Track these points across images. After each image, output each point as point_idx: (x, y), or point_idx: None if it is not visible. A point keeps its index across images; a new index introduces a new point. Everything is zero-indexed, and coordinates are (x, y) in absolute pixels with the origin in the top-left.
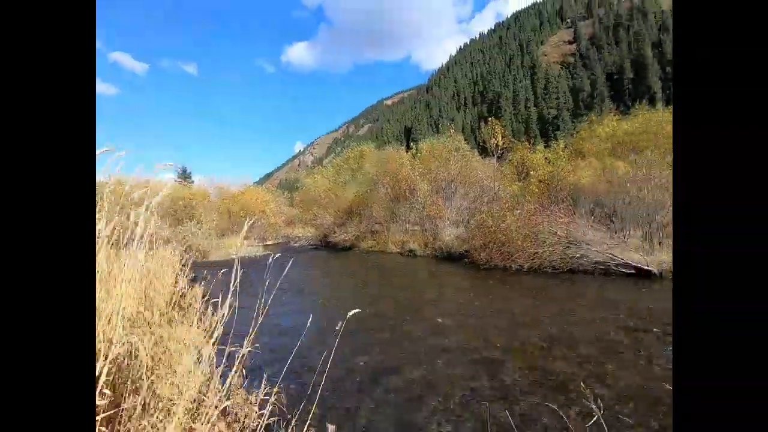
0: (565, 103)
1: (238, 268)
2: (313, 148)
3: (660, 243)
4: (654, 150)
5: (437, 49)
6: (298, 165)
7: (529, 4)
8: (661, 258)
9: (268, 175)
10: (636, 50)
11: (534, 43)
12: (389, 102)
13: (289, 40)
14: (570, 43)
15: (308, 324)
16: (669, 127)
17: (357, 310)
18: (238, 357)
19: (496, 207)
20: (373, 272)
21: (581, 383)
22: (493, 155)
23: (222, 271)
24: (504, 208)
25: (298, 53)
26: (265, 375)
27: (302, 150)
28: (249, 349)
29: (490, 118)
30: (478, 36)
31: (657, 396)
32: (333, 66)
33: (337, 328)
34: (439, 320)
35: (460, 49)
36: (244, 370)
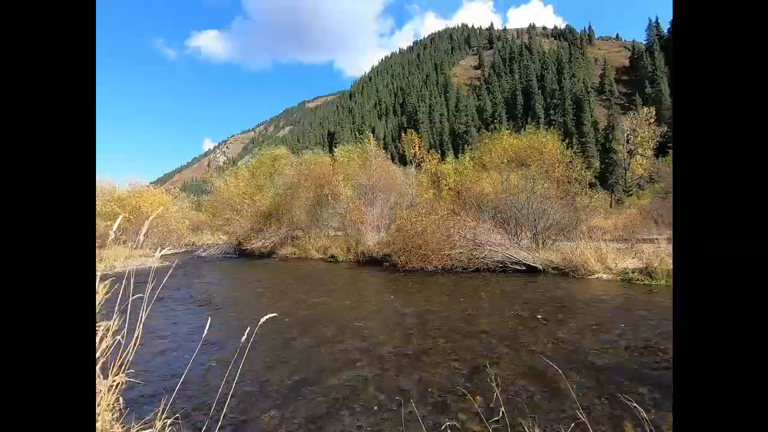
0: (472, 120)
1: (128, 282)
2: (226, 147)
3: (543, 243)
4: (538, 165)
5: (360, 57)
6: (208, 165)
7: (443, 29)
8: (543, 256)
9: (169, 175)
10: (525, 81)
11: (447, 64)
12: (312, 105)
13: (197, 25)
14: (476, 68)
15: (213, 339)
16: (549, 145)
17: (272, 315)
18: (110, 389)
19: (414, 212)
20: (293, 279)
21: (486, 366)
22: (411, 164)
23: (104, 287)
24: (421, 213)
25: (209, 42)
26: (155, 405)
27: (212, 149)
28: (124, 379)
29: (409, 130)
30: (398, 51)
31: (542, 371)
32: (250, 61)
33: (244, 340)
34: (359, 324)
35: (382, 60)
36: (122, 403)
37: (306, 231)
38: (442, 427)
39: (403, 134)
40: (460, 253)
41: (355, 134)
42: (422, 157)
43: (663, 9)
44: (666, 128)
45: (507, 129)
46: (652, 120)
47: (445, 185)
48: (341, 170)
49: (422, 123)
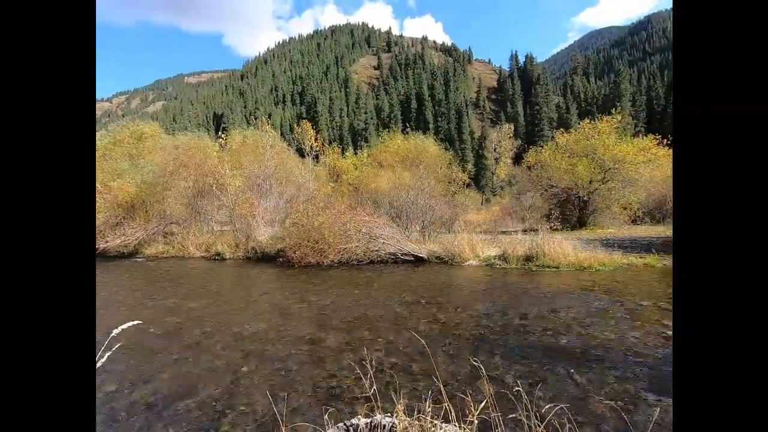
0: (372, 118)
1: None
2: None
3: (429, 235)
4: (425, 166)
5: (254, 37)
6: None
7: (344, 23)
8: (429, 247)
9: None
10: (418, 87)
11: (347, 59)
12: (192, 80)
13: None
14: (375, 68)
15: None
16: (431, 149)
17: (132, 324)
18: None
19: (312, 206)
20: (166, 281)
21: (370, 349)
22: (309, 156)
23: None
24: (319, 207)
25: None
26: None
27: None
28: None
29: (303, 121)
30: (297, 37)
31: (417, 347)
32: (104, 15)
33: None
34: (247, 325)
35: (280, 44)
36: None
37: (184, 226)
38: (324, 417)
39: (301, 124)
40: (356, 246)
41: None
42: (321, 150)
43: (521, 43)
44: (520, 141)
45: (402, 130)
46: (511, 135)
47: (345, 180)
48: (231, 157)
49: (322, 115)
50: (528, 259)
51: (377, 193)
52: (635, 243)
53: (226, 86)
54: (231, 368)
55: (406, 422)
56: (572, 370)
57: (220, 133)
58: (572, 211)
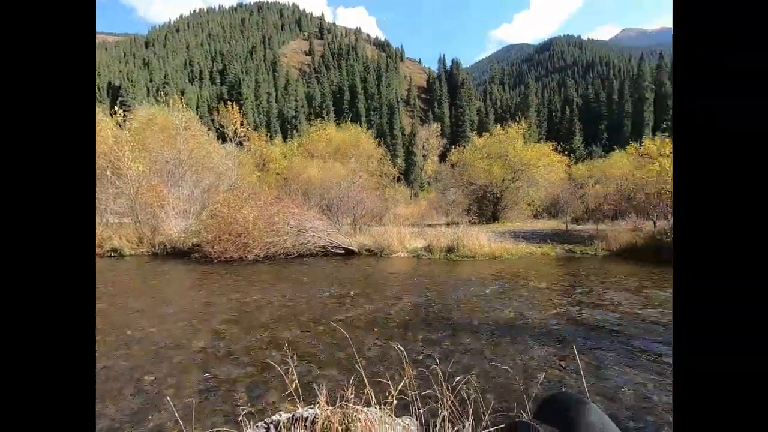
0: (302, 106)
1: None
2: None
3: (360, 228)
4: (358, 159)
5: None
6: None
7: (272, 0)
8: (359, 239)
9: None
10: (351, 79)
11: (276, 41)
12: None
13: None
14: (306, 54)
15: None
16: (366, 142)
17: None
18: None
19: (235, 196)
20: None
21: (288, 345)
22: (232, 141)
23: None
24: (242, 197)
25: None
26: None
27: None
28: None
29: (229, 102)
30: (218, 8)
31: (346, 340)
32: None
33: None
34: (152, 329)
35: (195, 13)
36: None
37: None
38: (241, 418)
39: (222, 106)
40: (284, 239)
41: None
42: (246, 136)
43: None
44: (446, 140)
45: (335, 122)
46: (438, 133)
47: (273, 169)
48: (134, 138)
49: (247, 98)
50: (450, 250)
51: (308, 185)
52: (536, 234)
53: (125, 53)
54: (135, 377)
55: (328, 411)
56: (482, 346)
57: (116, 107)
58: (488, 207)
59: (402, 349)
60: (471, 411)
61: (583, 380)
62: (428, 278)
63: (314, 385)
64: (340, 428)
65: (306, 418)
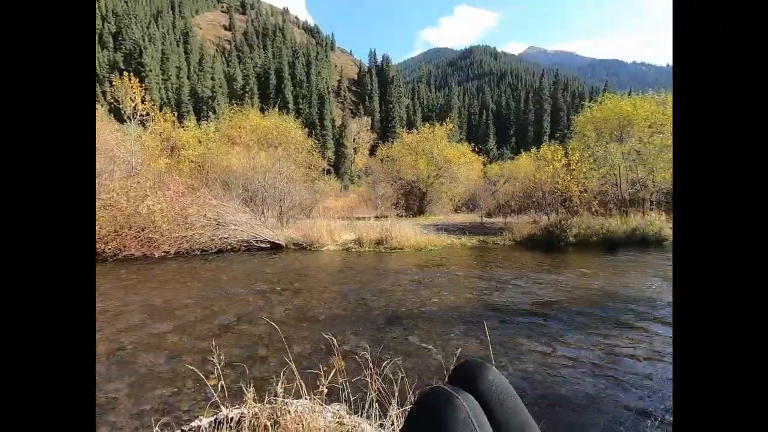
0: (221, 87)
1: None
2: None
3: (287, 221)
4: (286, 148)
5: None
6: None
7: None
8: (287, 233)
9: None
10: (278, 63)
11: (188, 9)
12: None
13: None
14: (226, 29)
15: None
16: (294, 132)
17: None
18: None
19: (135, 185)
20: None
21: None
22: (131, 121)
23: None
24: (146, 186)
25: None
26: None
27: None
28: None
29: (126, 73)
30: None
31: (273, 335)
32: None
33: None
34: None
35: None
36: None
37: None
38: (155, 430)
39: (117, 77)
40: (200, 234)
41: None
42: (151, 115)
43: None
44: (376, 135)
45: (260, 107)
46: (368, 127)
47: (186, 156)
48: None
49: (151, 71)
50: (379, 242)
51: (229, 174)
52: (456, 227)
53: None
54: None
55: (255, 409)
56: (409, 331)
57: None
58: (414, 201)
59: (333, 339)
60: (397, 390)
61: (490, 351)
62: (358, 270)
63: (241, 384)
64: (268, 423)
65: (231, 419)
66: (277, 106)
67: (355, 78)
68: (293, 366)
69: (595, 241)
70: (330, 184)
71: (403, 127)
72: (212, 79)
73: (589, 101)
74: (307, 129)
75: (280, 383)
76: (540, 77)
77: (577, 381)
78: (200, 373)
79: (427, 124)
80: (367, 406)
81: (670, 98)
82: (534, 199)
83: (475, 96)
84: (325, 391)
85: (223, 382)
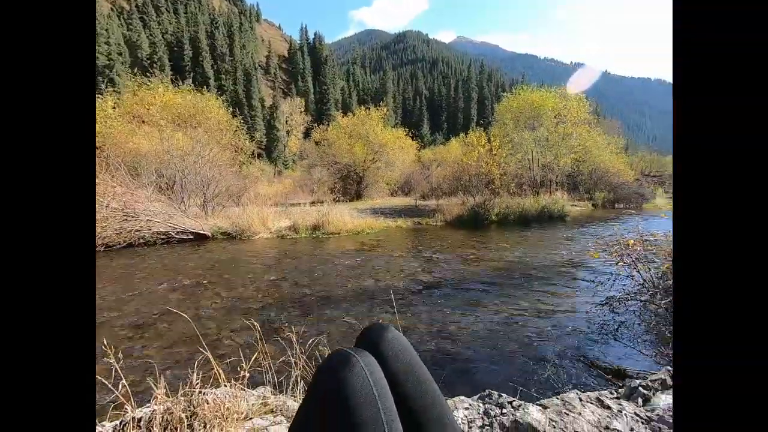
0: (122, 55)
1: None
2: None
3: (213, 210)
4: (207, 129)
5: None
6: None
7: None
8: (212, 222)
9: None
10: (194, 31)
11: None
12: None
13: None
14: None
15: None
16: (215, 110)
17: None
18: None
19: None
20: None
21: (113, 349)
22: None
23: None
24: None
25: None
26: None
27: None
28: None
29: None
30: None
31: (189, 329)
32: None
33: None
34: None
35: None
36: None
37: None
38: None
39: None
40: (103, 226)
41: None
42: None
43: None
44: (311, 117)
45: (173, 81)
46: (302, 109)
47: None
48: None
49: None
50: (316, 228)
51: (137, 158)
52: (392, 210)
53: None
54: None
55: (168, 403)
56: (340, 312)
57: None
58: (352, 185)
59: (255, 323)
60: None
61: (397, 316)
62: (293, 257)
63: (149, 381)
64: (184, 416)
65: (140, 419)
66: (192, 80)
67: (286, 55)
68: (209, 355)
69: (512, 218)
70: (261, 168)
71: (338, 110)
72: (107, 44)
73: (509, 92)
74: (232, 108)
75: (195, 374)
76: (468, 66)
77: (488, 337)
78: (100, 378)
79: (363, 108)
80: (291, 384)
81: (570, 92)
82: (462, 182)
83: (409, 81)
84: (247, 375)
85: (124, 381)
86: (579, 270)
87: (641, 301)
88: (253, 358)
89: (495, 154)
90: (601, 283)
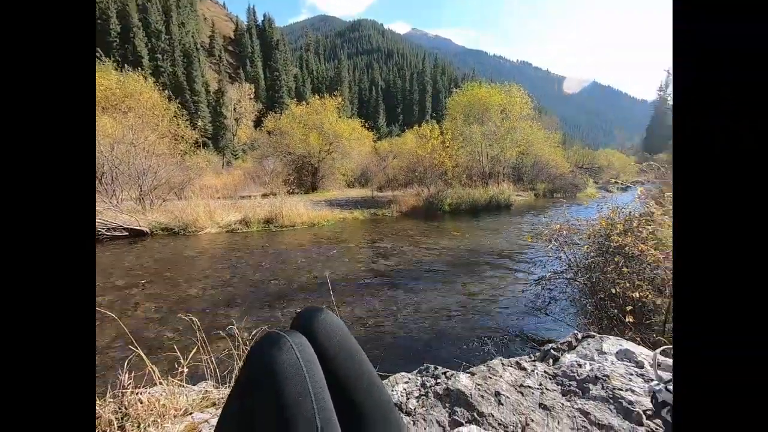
0: None
1: None
2: None
3: (151, 204)
4: (140, 115)
5: None
6: None
7: None
8: (151, 217)
9: None
10: (120, 4)
11: None
12: None
13: None
14: None
15: None
16: (147, 94)
17: None
18: None
19: None
20: None
21: None
22: None
23: None
24: None
25: None
26: None
27: None
28: None
29: None
30: None
31: (122, 328)
32: None
33: None
34: None
35: None
36: None
37: None
38: None
39: None
40: None
41: None
42: None
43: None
44: (261, 105)
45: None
46: (252, 96)
47: None
48: None
49: None
50: (269, 221)
51: None
52: (349, 202)
53: None
54: None
55: (96, 407)
56: (289, 303)
57: None
58: (307, 177)
59: (194, 318)
60: None
61: (332, 298)
62: (244, 252)
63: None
64: (113, 418)
65: None
66: (122, 59)
67: (232, 37)
68: (141, 353)
69: (464, 208)
70: (208, 159)
71: (292, 98)
72: None
73: (461, 86)
74: (172, 92)
75: (126, 374)
76: (423, 59)
77: (433, 319)
78: None
79: (317, 97)
80: (233, 376)
81: (514, 89)
82: (417, 174)
83: (365, 72)
84: (186, 371)
85: None
86: (519, 254)
87: (567, 279)
88: (191, 354)
89: (447, 147)
90: (536, 265)
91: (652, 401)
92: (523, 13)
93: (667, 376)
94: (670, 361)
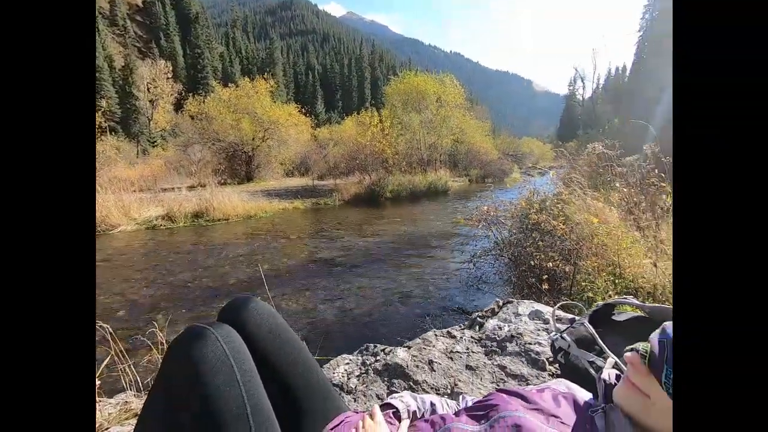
0: None
1: None
2: None
3: None
4: None
5: None
6: None
7: None
8: None
9: None
10: None
11: None
12: None
13: None
14: None
15: None
16: None
17: None
18: None
19: None
20: None
21: None
22: None
23: None
24: None
25: None
26: None
27: None
28: None
29: None
30: None
31: None
32: None
33: None
34: None
35: None
36: None
37: None
38: None
39: None
40: None
41: None
42: None
43: None
44: (181, 86)
45: None
46: (170, 75)
47: None
48: None
49: None
50: (198, 215)
51: None
52: (288, 192)
53: None
54: None
55: None
56: (222, 302)
57: None
58: (240, 166)
59: (105, 325)
60: None
61: (266, 287)
62: (171, 250)
63: None
64: None
65: None
66: None
67: (140, 5)
68: None
69: (405, 194)
70: (117, 146)
71: (218, 80)
72: None
73: (398, 74)
74: None
75: None
76: (360, 45)
77: (375, 301)
78: None
79: (248, 79)
80: (155, 380)
81: (448, 79)
82: (358, 161)
83: (299, 54)
84: (99, 383)
85: None
86: (455, 236)
87: (494, 255)
88: (104, 364)
89: (387, 135)
90: (469, 244)
91: (551, 349)
92: (457, 3)
93: (563, 326)
94: (568, 315)
